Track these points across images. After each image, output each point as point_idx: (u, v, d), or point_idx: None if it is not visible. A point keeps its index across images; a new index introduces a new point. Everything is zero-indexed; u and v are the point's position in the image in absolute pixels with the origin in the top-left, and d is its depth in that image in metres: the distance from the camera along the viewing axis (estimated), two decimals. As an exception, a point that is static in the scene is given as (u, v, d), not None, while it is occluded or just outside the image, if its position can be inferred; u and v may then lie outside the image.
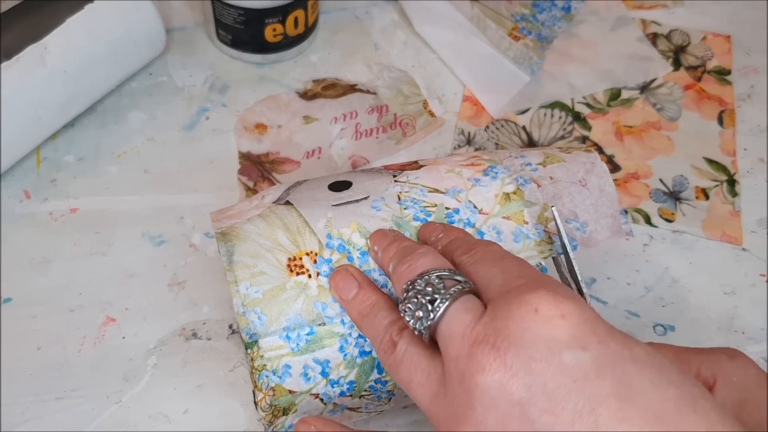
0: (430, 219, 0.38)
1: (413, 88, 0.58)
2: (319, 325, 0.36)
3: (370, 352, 0.36)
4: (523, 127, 0.56)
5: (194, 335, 0.46)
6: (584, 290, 0.37)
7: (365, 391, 0.37)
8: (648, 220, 0.52)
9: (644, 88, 0.59)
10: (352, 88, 0.58)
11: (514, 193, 0.39)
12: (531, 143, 0.55)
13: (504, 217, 0.39)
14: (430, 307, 0.29)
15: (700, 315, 0.48)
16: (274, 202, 0.40)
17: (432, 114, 0.57)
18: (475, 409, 0.26)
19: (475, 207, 0.39)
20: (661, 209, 0.53)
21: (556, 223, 0.38)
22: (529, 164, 0.41)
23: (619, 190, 0.53)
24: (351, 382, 0.36)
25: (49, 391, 0.43)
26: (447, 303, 0.29)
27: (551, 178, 0.40)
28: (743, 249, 0.51)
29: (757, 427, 0.30)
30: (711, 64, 0.61)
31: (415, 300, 0.30)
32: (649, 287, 0.49)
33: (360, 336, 0.36)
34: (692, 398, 0.25)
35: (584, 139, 0.56)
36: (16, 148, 0.50)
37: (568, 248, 0.37)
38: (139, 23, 0.53)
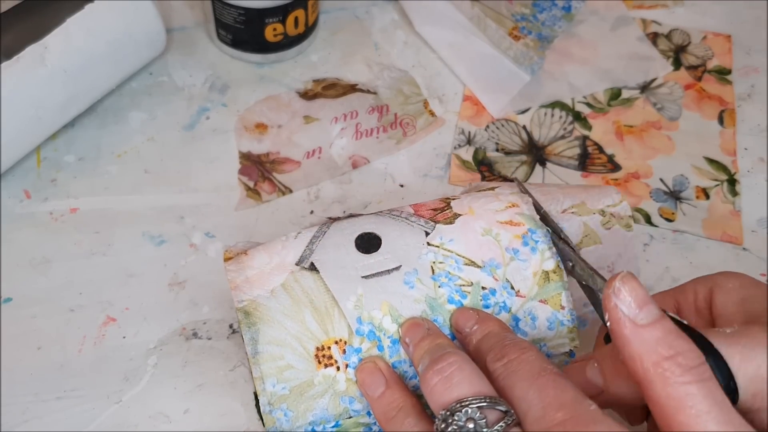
0: (465, 302, 0.36)
1: (413, 88, 0.58)
2: (347, 419, 0.35)
3: None
4: (524, 127, 0.56)
5: (194, 335, 0.46)
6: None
7: None
8: (648, 220, 0.52)
9: (644, 88, 0.59)
10: (352, 88, 0.58)
11: (554, 272, 0.37)
12: (531, 143, 0.55)
13: (541, 301, 0.37)
14: None
15: (701, 315, 0.48)
16: (297, 263, 0.37)
17: (432, 114, 0.57)
18: None
19: (512, 288, 0.37)
20: (662, 209, 0.53)
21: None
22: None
23: (620, 189, 0.53)
24: None
25: (49, 390, 0.43)
26: None
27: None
28: (743, 249, 0.51)
29: (759, 317, 0.30)
30: (711, 64, 0.61)
31: None
32: (649, 287, 0.49)
33: None
34: None
35: (584, 139, 0.56)
36: (16, 147, 0.50)
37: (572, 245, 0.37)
38: (139, 23, 0.53)
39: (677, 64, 0.60)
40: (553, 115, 0.57)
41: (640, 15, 0.63)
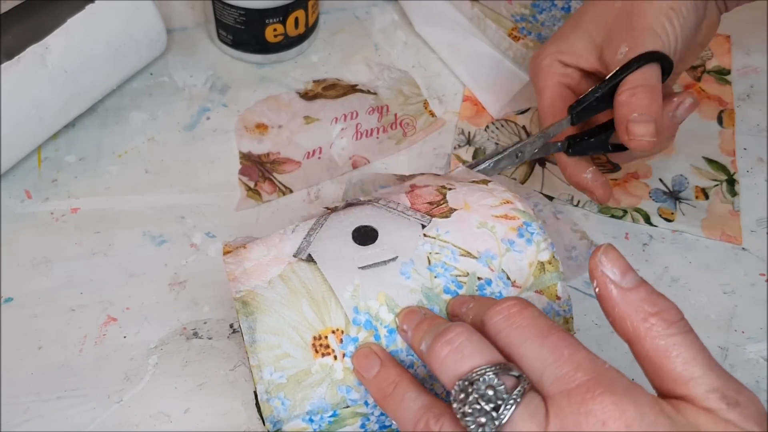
0: (461, 291, 0.37)
1: (413, 88, 0.58)
2: (344, 408, 0.35)
3: (391, 425, 0.36)
4: (523, 127, 0.56)
5: (195, 335, 0.46)
6: None
7: None
8: (648, 220, 0.52)
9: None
10: (352, 89, 0.58)
11: (549, 262, 0.38)
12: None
13: (537, 291, 0.37)
14: (494, 414, 0.28)
15: (700, 314, 0.48)
16: (294, 255, 0.38)
17: (432, 114, 0.57)
18: None
19: (508, 278, 0.37)
20: (661, 209, 0.53)
21: None
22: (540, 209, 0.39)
23: (619, 189, 0.53)
24: None
25: (50, 390, 0.43)
26: (512, 410, 0.28)
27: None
28: (743, 248, 0.51)
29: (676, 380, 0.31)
30: (710, 64, 0.61)
31: (478, 406, 0.29)
32: (648, 287, 0.49)
33: (382, 414, 0.36)
34: None
35: (584, 139, 0.56)
36: (17, 147, 0.50)
37: None
38: (139, 23, 0.53)
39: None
40: (552, 116, 0.57)
41: (639, 15, 0.63)
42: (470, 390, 0.29)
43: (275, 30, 0.56)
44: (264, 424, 0.37)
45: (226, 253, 0.39)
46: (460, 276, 0.37)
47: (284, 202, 0.52)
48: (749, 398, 0.28)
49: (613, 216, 0.52)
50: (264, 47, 0.57)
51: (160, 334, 0.45)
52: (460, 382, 0.29)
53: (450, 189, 0.40)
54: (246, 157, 0.54)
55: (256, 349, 0.35)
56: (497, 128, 0.56)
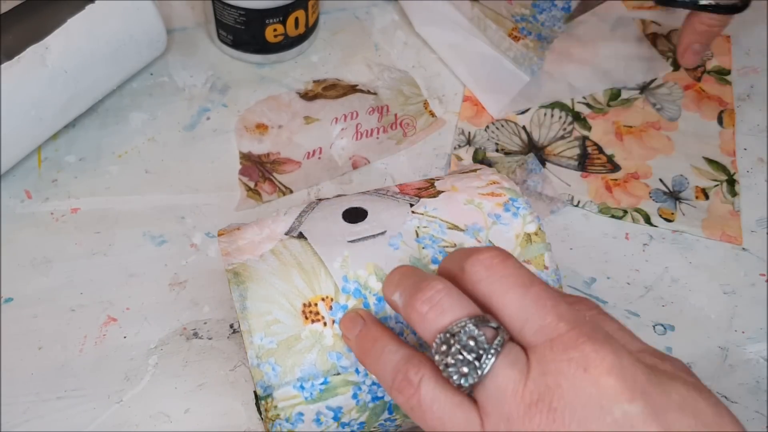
0: None
1: (413, 89, 0.58)
2: (334, 375, 0.35)
3: (383, 397, 0.36)
4: (523, 127, 0.56)
5: (195, 335, 0.46)
6: None
7: (374, 428, 0.37)
8: (648, 220, 0.52)
9: (644, 88, 0.59)
10: (352, 89, 0.58)
11: (536, 234, 0.38)
12: (531, 143, 0.56)
13: (524, 261, 0.38)
14: (477, 364, 0.29)
15: (700, 314, 0.48)
16: (286, 233, 0.38)
17: (432, 114, 0.57)
18: None
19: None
20: (661, 209, 0.53)
21: None
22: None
23: (619, 189, 0.53)
24: (361, 423, 0.36)
25: (50, 390, 0.43)
26: (493, 359, 0.29)
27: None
28: (743, 249, 0.51)
29: None
30: (711, 64, 0.61)
31: (460, 356, 0.29)
32: (648, 287, 0.49)
33: (374, 383, 0.36)
34: None
35: (584, 139, 0.56)
36: (17, 148, 0.50)
37: None
38: (139, 23, 0.53)
39: (676, 64, 0.61)
40: (552, 116, 0.57)
41: (639, 15, 0.64)
42: (452, 342, 0.29)
43: (275, 30, 0.56)
44: (263, 421, 0.37)
45: (220, 235, 0.40)
46: (447, 247, 0.37)
47: (284, 202, 0.52)
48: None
49: (613, 216, 0.52)
50: (264, 47, 0.57)
51: (160, 334, 0.46)
52: (442, 335, 0.30)
53: (438, 179, 0.42)
54: (246, 157, 0.54)
55: (246, 315, 0.36)
56: (497, 128, 0.56)
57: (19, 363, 0.44)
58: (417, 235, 0.38)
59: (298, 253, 0.37)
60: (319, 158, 0.54)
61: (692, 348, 0.47)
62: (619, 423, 0.27)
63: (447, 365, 0.29)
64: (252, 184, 0.52)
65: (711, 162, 0.55)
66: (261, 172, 0.53)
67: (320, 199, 0.41)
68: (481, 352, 0.29)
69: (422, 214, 0.38)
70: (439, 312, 0.30)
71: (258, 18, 0.55)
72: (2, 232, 0.49)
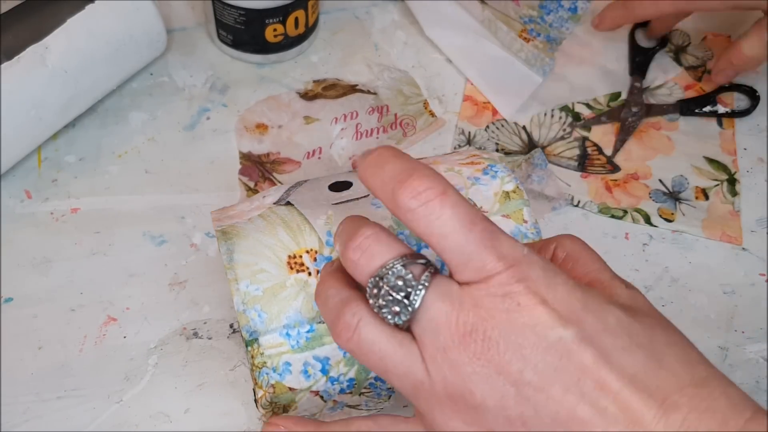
0: None
1: (413, 89, 0.58)
2: (319, 323, 0.36)
3: None
4: (524, 127, 0.56)
5: (195, 335, 0.46)
6: None
7: (365, 388, 0.37)
8: (648, 220, 0.52)
9: (645, 89, 0.59)
10: (352, 89, 0.58)
11: (514, 191, 0.40)
12: (531, 143, 0.56)
13: (504, 216, 0.39)
14: (407, 302, 0.30)
15: (700, 314, 0.48)
16: (274, 203, 0.40)
17: (432, 114, 0.57)
18: (473, 394, 0.29)
19: (474, 205, 0.39)
20: (661, 209, 0.53)
21: None
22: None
23: (619, 190, 0.53)
24: (351, 380, 0.36)
25: (49, 390, 0.43)
26: (422, 294, 0.30)
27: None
28: (743, 249, 0.51)
29: (585, 276, 0.33)
30: (711, 64, 0.61)
31: (390, 297, 0.30)
32: (649, 287, 0.49)
33: None
34: (658, 355, 0.28)
35: (584, 140, 0.56)
36: (17, 148, 0.50)
37: None
38: (139, 23, 0.53)
39: (677, 64, 0.61)
40: (552, 116, 0.57)
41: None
42: (381, 284, 0.30)
43: (275, 30, 0.56)
44: (250, 371, 0.37)
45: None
46: None
47: (284, 202, 0.52)
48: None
49: (613, 216, 0.52)
50: (264, 47, 0.57)
51: (160, 334, 0.46)
52: (372, 279, 0.30)
53: (421, 159, 0.43)
54: (246, 157, 0.54)
55: (233, 266, 0.37)
56: (497, 128, 0.56)
57: (19, 363, 0.44)
58: None
59: (284, 215, 0.38)
60: (319, 158, 0.54)
61: (692, 348, 0.47)
62: (555, 347, 0.28)
63: (380, 307, 0.30)
64: (252, 184, 0.52)
65: (712, 161, 0.55)
66: (261, 172, 0.53)
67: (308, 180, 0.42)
68: (409, 289, 0.30)
69: None
70: (369, 257, 0.31)
71: (258, 18, 0.55)
72: (2, 232, 0.49)
